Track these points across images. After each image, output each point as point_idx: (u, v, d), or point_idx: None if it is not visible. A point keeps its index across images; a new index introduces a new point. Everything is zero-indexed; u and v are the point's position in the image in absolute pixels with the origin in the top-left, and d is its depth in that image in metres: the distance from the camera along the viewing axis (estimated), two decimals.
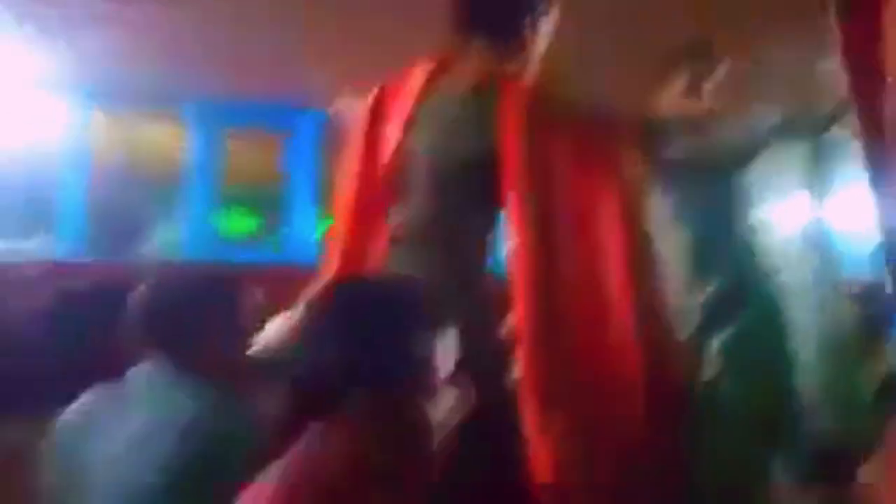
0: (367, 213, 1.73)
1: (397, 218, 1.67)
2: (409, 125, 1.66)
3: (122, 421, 1.34)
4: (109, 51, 3.53)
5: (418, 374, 1.09)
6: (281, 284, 3.00)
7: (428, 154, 1.63)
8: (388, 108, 1.74)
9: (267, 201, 5.88)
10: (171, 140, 4.82)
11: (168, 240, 7.33)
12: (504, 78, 1.60)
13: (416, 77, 1.70)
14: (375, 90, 1.79)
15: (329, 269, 1.75)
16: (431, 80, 1.68)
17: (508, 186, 1.50)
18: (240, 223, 7.89)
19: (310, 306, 1.43)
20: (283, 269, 3.78)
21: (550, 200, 1.52)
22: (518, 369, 1.45)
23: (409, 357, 1.08)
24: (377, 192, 1.72)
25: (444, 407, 1.11)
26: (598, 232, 1.55)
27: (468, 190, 1.56)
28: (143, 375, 1.40)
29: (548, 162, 1.52)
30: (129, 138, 5.07)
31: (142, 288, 1.46)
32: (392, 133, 1.69)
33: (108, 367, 1.48)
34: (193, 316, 1.43)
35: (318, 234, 4.45)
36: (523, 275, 1.47)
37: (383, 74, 1.77)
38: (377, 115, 1.75)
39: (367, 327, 1.08)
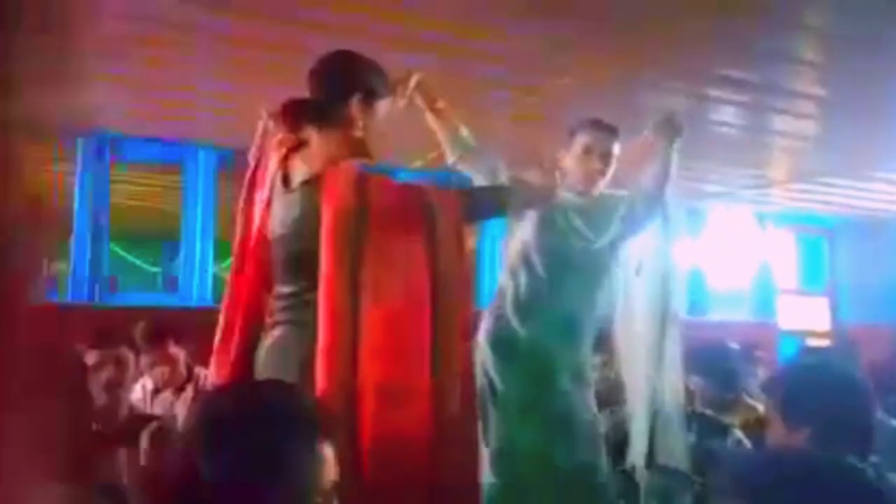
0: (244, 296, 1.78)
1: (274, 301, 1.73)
2: (266, 211, 1.76)
3: None
4: None
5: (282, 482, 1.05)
6: (174, 325, 2.95)
7: (277, 240, 1.73)
8: (258, 184, 1.82)
9: (160, 239, 5.75)
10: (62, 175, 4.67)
11: (56, 280, 7.05)
12: (332, 164, 1.67)
13: (272, 161, 1.79)
14: (252, 161, 1.86)
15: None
16: (283, 165, 1.76)
17: (323, 266, 1.58)
18: (132, 262, 7.68)
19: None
20: (177, 311, 3.71)
21: (361, 279, 1.59)
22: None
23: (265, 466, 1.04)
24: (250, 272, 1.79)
25: None
26: (407, 303, 1.62)
27: (310, 272, 1.61)
28: None
29: (362, 242, 1.59)
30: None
31: None
32: (255, 216, 1.79)
33: None
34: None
35: (212, 274, 4.36)
36: (326, 344, 1.55)
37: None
38: (251, 191, 1.83)
39: (227, 437, 1.05)
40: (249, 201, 1.82)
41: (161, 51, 2.97)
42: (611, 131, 2.28)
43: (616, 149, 2.28)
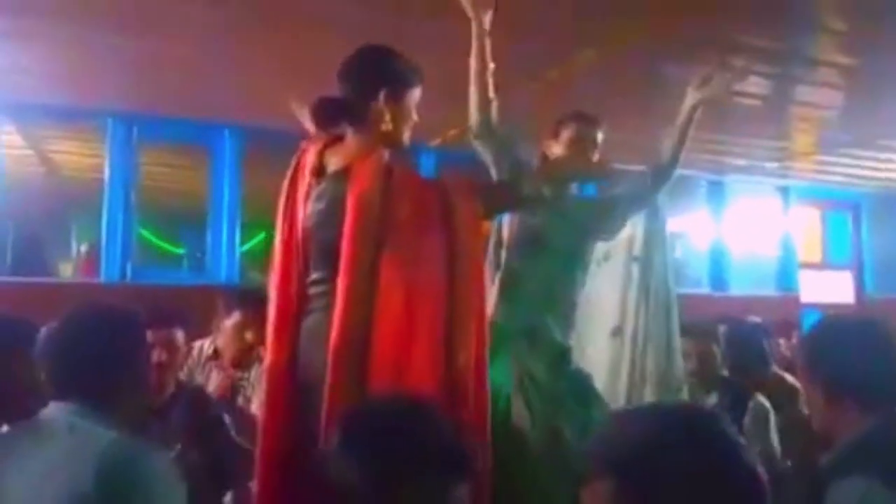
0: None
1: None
2: (306, 201, 1.82)
3: (38, 456, 1.36)
4: (23, 66, 3.47)
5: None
6: (202, 305, 3.01)
7: (311, 229, 1.80)
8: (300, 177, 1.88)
9: (189, 220, 5.83)
10: (89, 156, 4.75)
11: (85, 259, 7.17)
12: (360, 157, 1.76)
13: (311, 155, 1.86)
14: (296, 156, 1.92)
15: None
16: (320, 159, 1.84)
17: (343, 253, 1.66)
18: (160, 242, 7.79)
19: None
20: (205, 289, 3.77)
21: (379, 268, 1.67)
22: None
23: None
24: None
25: None
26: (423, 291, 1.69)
27: (337, 259, 1.68)
28: (57, 414, 1.42)
29: (382, 232, 1.68)
30: (45, 154, 4.97)
31: (51, 328, 1.49)
32: (297, 206, 1.85)
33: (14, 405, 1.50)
34: (103, 357, 1.46)
35: (240, 253, 4.43)
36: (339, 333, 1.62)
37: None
38: (294, 183, 1.89)
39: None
40: (292, 196, 1.87)
41: (186, 30, 3.01)
42: (594, 122, 2.41)
43: (600, 137, 2.40)
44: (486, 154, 2.24)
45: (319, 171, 1.82)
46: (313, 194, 1.81)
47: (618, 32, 2.03)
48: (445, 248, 1.71)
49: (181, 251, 8.15)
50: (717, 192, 5.91)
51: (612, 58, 2.03)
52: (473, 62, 2.05)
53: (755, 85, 3.73)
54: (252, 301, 2.61)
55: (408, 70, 1.87)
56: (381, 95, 1.80)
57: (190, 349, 2.82)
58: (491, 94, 2.12)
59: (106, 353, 1.47)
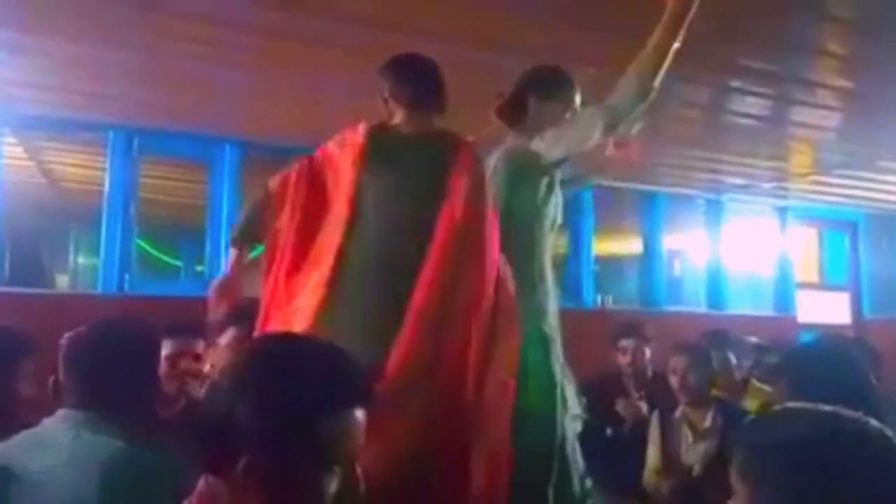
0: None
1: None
2: (359, 162, 1.95)
3: (41, 464, 1.36)
4: (28, 80, 3.49)
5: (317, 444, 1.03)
6: (200, 317, 3.01)
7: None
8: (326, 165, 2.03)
9: (188, 232, 5.84)
10: (89, 168, 4.76)
11: (86, 271, 7.17)
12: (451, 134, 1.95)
13: (360, 130, 2.01)
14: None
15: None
16: (374, 132, 2.00)
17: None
18: (160, 254, 7.80)
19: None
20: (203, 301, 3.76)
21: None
22: None
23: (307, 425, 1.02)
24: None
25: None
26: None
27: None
28: (64, 422, 1.43)
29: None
30: (45, 165, 4.98)
31: (68, 338, 1.51)
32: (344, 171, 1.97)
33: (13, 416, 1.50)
34: (115, 368, 1.48)
35: None
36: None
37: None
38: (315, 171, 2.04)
39: (268, 388, 1.03)
40: None
41: (190, 46, 3.03)
42: None
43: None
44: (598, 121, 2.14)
45: None
46: (382, 151, 2.00)
47: (614, 52, 2.05)
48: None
49: (179, 263, 8.16)
50: (714, 210, 5.94)
51: (610, 78, 2.05)
52: (671, 40, 2.02)
53: (754, 105, 3.76)
54: (245, 318, 2.62)
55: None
56: None
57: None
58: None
59: (118, 364, 1.49)
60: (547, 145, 2.16)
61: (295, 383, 1.04)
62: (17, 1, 2.65)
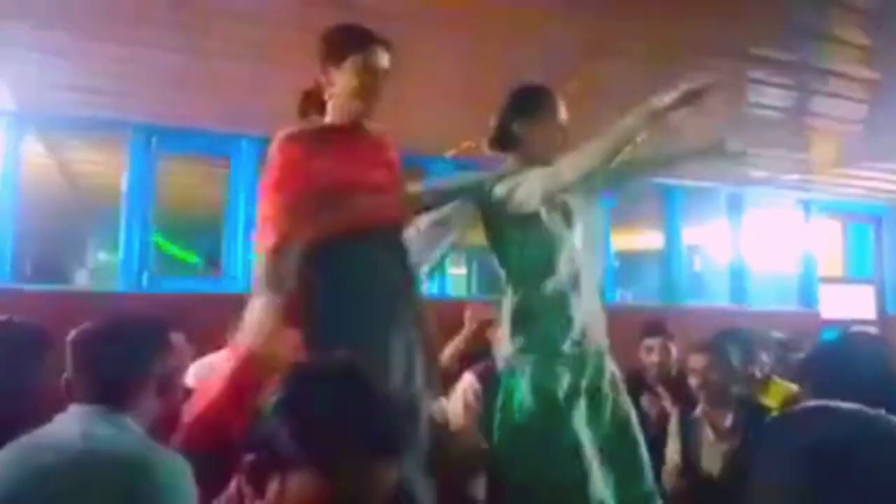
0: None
1: None
2: None
3: (53, 460, 1.36)
4: (44, 76, 3.51)
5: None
6: (219, 314, 3.02)
7: None
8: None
9: (207, 228, 5.86)
10: (109, 166, 4.78)
11: (105, 267, 7.22)
12: None
13: None
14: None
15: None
16: None
17: None
18: (178, 251, 7.84)
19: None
20: (222, 298, 3.77)
21: None
22: None
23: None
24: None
25: None
26: None
27: None
28: (76, 418, 1.43)
29: None
30: (65, 164, 5.01)
31: (79, 333, 1.52)
32: None
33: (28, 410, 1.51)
34: (126, 363, 1.48)
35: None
36: None
37: None
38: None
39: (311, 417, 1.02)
40: None
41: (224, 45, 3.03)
42: None
43: None
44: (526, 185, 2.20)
45: None
46: None
47: (635, 43, 2.02)
48: None
49: (196, 260, 8.19)
50: (736, 203, 5.86)
51: (629, 69, 2.02)
52: (636, 123, 2.03)
53: (776, 97, 3.70)
54: None
55: None
56: None
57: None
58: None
59: (128, 359, 1.50)
60: (506, 190, 2.24)
61: (331, 419, 1.02)
62: (53, 4, 2.67)
